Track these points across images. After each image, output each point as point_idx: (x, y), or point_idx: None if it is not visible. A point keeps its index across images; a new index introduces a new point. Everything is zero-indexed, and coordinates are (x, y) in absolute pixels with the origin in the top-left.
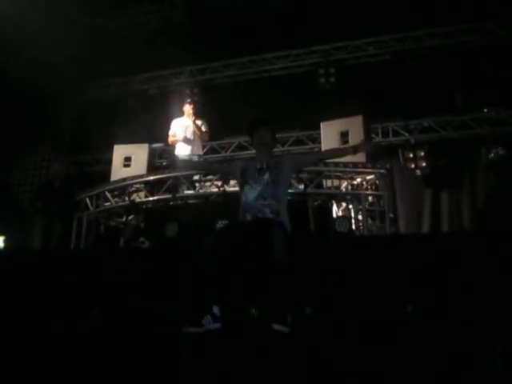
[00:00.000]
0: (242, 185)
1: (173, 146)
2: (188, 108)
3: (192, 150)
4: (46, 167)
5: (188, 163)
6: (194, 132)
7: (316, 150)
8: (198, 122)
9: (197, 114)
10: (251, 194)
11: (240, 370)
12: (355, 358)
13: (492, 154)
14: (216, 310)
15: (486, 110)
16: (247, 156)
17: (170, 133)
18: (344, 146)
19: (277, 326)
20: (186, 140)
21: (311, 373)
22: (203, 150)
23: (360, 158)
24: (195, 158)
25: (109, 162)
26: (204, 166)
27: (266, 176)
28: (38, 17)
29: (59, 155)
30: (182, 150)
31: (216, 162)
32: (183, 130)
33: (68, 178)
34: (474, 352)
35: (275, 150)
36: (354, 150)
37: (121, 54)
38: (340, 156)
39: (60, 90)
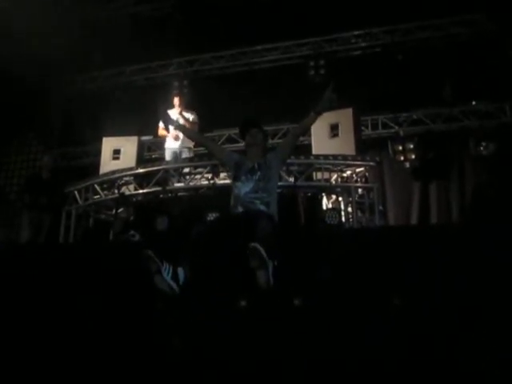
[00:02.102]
0: (233, 178)
1: (162, 139)
2: (175, 100)
3: (182, 143)
4: (33, 159)
5: (182, 127)
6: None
7: (306, 142)
8: (186, 114)
9: (185, 106)
10: (243, 188)
11: (230, 361)
12: (348, 352)
13: (482, 148)
14: (180, 272)
15: (474, 103)
16: (237, 148)
17: (160, 125)
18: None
19: (255, 244)
20: (176, 135)
21: (303, 366)
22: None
23: (350, 150)
24: (185, 151)
25: (97, 154)
26: (197, 137)
27: (258, 174)
28: (25, 7)
29: (47, 147)
30: (172, 143)
31: (213, 142)
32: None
33: (56, 171)
34: (466, 346)
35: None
36: (316, 113)
37: (109, 45)
38: (310, 124)
39: (48, 82)
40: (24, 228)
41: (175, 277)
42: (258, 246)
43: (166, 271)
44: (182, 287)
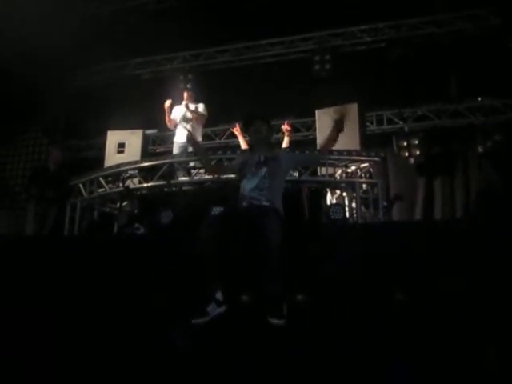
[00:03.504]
0: (240, 177)
1: (171, 132)
2: (184, 94)
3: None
4: (38, 152)
5: (205, 160)
6: (192, 118)
7: (311, 137)
8: (192, 106)
9: (193, 99)
10: (248, 185)
11: (234, 358)
12: (351, 348)
13: (490, 143)
14: (219, 295)
15: (480, 99)
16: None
17: (172, 117)
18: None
19: (273, 321)
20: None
21: (306, 363)
22: None
23: (355, 146)
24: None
25: (102, 147)
26: (218, 169)
27: (264, 170)
28: (28, 1)
29: (52, 141)
30: (181, 137)
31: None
32: (181, 116)
33: (62, 164)
34: (469, 343)
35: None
36: (333, 131)
37: (115, 38)
38: (334, 142)
39: (53, 75)
40: (29, 221)
41: (219, 303)
42: (276, 321)
43: (212, 311)
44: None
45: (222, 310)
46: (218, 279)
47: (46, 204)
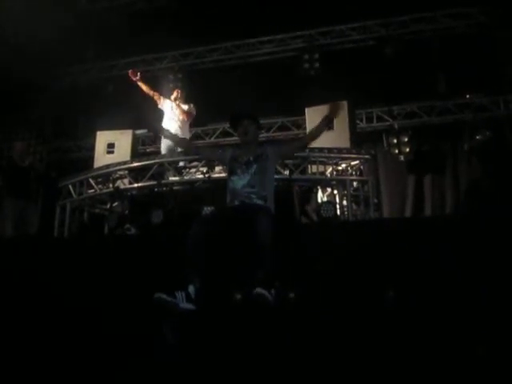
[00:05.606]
0: (229, 173)
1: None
2: (174, 93)
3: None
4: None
5: (174, 138)
6: (180, 116)
7: (301, 135)
8: (184, 107)
9: (183, 99)
10: (239, 182)
11: (224, 354)
12: (339, 344)
13: (478, 137)
14: (191, 289)
15: (468, 96)
16: (232, 142)
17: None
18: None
19: (260, 290)
20: (170, 120)
21: (297, 360)
22: None
23: (345, 143)
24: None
25: (92, 148)
26: (189, 148)
27: (254, 167)
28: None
29: (40, 141)
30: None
31: (204, 147)
32: (169, 110)
33: (32, 160)
34: (455, 338)
35: (260, 135)
36: (324, 121)
37: (103, 37)
38: (321, 133)
39: (40, 75)
40: (8, 219)
41: (189, 298)
42: (263, 291)
43: (180, 299)
44: (197, 301)
45: (191, 306)
46: (195, 274)
47: (22, 200)
